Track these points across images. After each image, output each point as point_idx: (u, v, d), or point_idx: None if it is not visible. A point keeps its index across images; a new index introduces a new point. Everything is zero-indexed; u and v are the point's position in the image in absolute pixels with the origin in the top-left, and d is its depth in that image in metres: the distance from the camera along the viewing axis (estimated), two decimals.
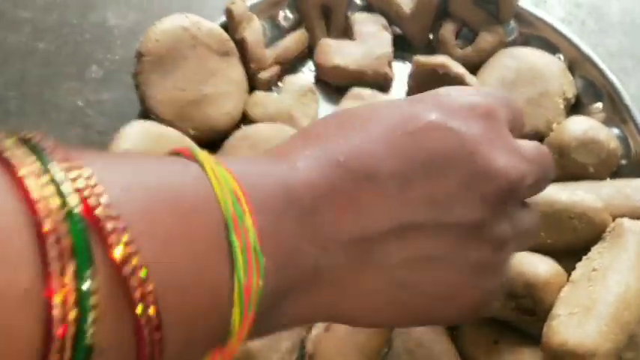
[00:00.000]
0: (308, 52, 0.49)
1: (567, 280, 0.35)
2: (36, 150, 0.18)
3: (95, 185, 0.17)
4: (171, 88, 0.42)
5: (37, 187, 0.17)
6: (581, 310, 0.31)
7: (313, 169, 0.23)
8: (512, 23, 0.48)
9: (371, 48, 0.48)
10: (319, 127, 0.26)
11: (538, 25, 0.48)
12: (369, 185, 0.23)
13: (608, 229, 0.36)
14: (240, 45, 0.46)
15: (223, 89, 0.44)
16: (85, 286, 0.16)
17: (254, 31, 0.46)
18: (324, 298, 0.24)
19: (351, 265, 0.24)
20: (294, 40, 0.48)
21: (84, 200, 0.17)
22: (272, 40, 0.48)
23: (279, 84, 0.47)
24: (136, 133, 0.38)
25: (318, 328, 0.35)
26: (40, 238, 0.16)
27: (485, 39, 0.47)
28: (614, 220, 0.36)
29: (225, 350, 0.21)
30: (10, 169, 0.17)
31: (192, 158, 0.22)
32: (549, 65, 0.45)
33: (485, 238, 0.25)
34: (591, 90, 0.46)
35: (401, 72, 0.48)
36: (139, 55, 0.41)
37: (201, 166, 0.21)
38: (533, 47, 0.47)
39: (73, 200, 0.17)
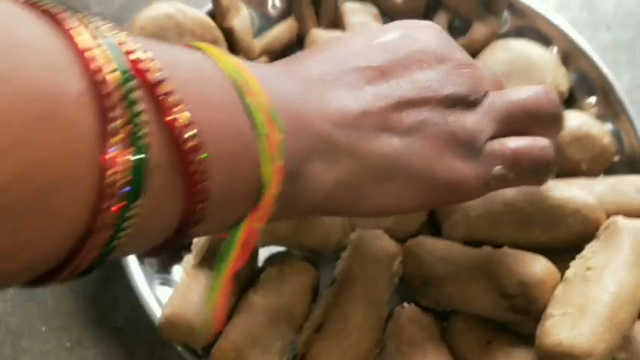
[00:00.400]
0: (297, 42, 0.48)
1: (561, 279, 0.34)
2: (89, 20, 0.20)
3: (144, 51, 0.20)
4: None
5: (92, 44, 0.18)
6: (575, 310, 0.31)
7: (311, 69, 0.28)
8: (506, 14, 0.47)
9: None
10: (306, 52, 0.31)
11: (531, 16, 0.47)
12: (370, 75, 0.29)
13: (602, 227, 0.35)
14: (228, 34, 0.44)
15: None
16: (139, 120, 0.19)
17: (242, 19, 0.45)
18: (344, 163, 0.27)
19: (361, 136, 0.27)
20: (283, 30, 0.47)
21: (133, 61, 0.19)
22: (260, 29, 0.47)
23: None
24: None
25: (308, 330, 0.35)
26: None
27: (479, 30, 0.46)
28: (608, 217, 0.36)
29: (260, 208, 0.24)
30: (68, 32, 0.18)
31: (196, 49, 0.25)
32: (543, 57, 0.45)
33: (461, 115, 0.30)
34: (585, 84, 0.45)
35: None
36: None
37: (205, 53, 0.24)
38: (526, 39, 0.46)
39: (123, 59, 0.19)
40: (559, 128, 0.34)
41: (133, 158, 0.18)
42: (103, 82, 0.18)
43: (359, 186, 0.28)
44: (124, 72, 0.18)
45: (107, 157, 0.18)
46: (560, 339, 0.30)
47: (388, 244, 0.37)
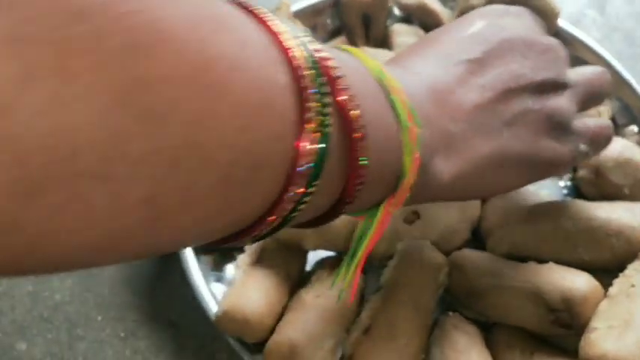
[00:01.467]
0: None
1: (604, 295, 0.35)
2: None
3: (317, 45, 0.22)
4: None
5: (292, 43, 0.21)
6: (620, 324, 0.32)
7: (423, 68, 0.31)
8: None
9: None
10: (411, 48, 0.34)
11: (576, 46, 0.49)
12: (464, 69, 0.31)
13: None
14: None
15: None
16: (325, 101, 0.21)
17: None
18: (460, 158, 0.29)
19: (475, 129, 0.30)
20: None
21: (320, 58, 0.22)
22: None
23: None
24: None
25: (357, 331, 0.36)
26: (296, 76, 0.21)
27: None
28: None
29: (397, 195, 0.27)
30: (273, 31, 0.21)
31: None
32: None
33: (554, 98, 0.32)
34: (626, 112, 0.46)
35: None
36: None
37: (351, 54, 0.27)
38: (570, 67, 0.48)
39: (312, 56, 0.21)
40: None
41: (318, 146, 0.21)
42: (303, 77, 0.21)
43: (475, 175, 0.30)
44: (316, 68, 0.21)
45: (301, 143, 0.21)
46: (605, 350, 0.31)
47: (435, 255, 0.38)
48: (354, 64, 0.26)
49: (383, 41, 0.51)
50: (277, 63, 0.20)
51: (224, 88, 0.18)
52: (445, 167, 0.29)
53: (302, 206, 0.22)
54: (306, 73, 0.21)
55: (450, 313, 0.38)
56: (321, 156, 0.21)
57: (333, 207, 0.25)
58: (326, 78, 0.21)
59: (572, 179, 0.46)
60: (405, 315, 0.36)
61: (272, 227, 0.22)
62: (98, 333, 0.40)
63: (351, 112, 0.22)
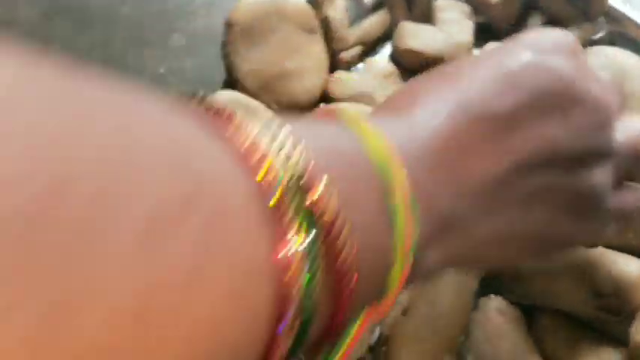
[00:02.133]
0: (389, 34, 0.48)
1: None
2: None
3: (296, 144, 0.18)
4: (257, 60, 0.42)
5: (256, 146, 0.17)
6: None
7: (433, 121, 0.25)
8: (601, 20, 0.47)
9: (451, 35, 0.47)
10: (424, 83, 0.27)
11: (627, 24, 0.47)
12: (486, 127, 0.25)
13: None
14: (324, 23, 0.46)
15: (306, 66, 0.44)
16: (310, 247, 0.17)
17: (338, 9, 0.46)
18: (456, 242, 0.25)
19: (481, 206, 0.25)
20: (376, 21, 0.48)
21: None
22: (354, 19, 0.48)
23: (359, 65, 0.47)
24: (226, 101, 0.38)
25: (395, 312, 0.35)
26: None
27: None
28: None
29: (381, 306, 0.22)
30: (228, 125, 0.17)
31: (338, 119, 0.23)
32: (637, 66, 0.44)
33: (589, 172, 0.27)
34: None
35: None
36: (229, 25, 0.41)
37: (351, 126, 0.22)
38: (620, 46, 0.46)
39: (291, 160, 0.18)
40: None
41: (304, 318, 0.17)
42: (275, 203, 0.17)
43: (471, 257, 0.26)
44: (292, 187, 0.17)
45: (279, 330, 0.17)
46: None
47: None
48: (348, 155, 0.21)
49: (427, 17, 0.49)
50: (242, 192, 0.17)
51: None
52: (438, 256, 0.24)
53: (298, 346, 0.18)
54: (280, 197, 0.17)
55: (492, 296, 0.37)
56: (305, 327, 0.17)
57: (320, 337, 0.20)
58: (308, 194, 0.18)
59: None
60: (445, 296, 0.35)
61: None
62: None
63: (338, 234, 0.18)
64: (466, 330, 0.36)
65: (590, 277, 0.34)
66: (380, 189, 0.21)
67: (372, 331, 0.35)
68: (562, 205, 0.27)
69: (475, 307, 0.37)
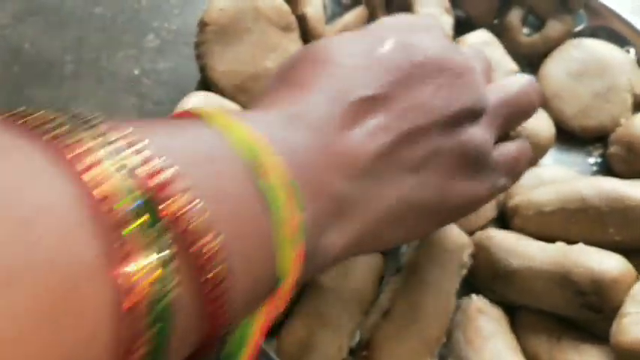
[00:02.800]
0: None
1: (637, 277, 0.34)
2: (85, 127, 0.17)
3: (148, 155, 0.17)
4: (232, 61, 0.41)
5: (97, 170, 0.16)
6: None
7: (314, 112, 0.25)
8: (581, 13, 0.47)
9: None
10: (302, 71, 0.28)
11: (607, 17, 0.46)
12: (365, 109, 0.26)
13: None
14: (301, 20, 0.45)
15: None
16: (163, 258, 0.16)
17: (315, 6, 0.45)
18: (354, 225, 0.25)
19: (373, 184, 0.26)
20: (354, 17, 0.47)
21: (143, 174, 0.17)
22: (332, 16, 0.47)
23: None
24: (198, 103, 0.38)
25: (375, 315, 0.35)
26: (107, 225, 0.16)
27: (553, 27, 0.46)
28: None
29: (276, 298, 0.22)
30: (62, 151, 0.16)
31: (200, 118, 0.22)
32: (618, 59, 0.44)
33: (467, 131, 0.29)
34: None
35: None
36: (203, 25, 0.41)
37: (212, 123, 0.22)
38: (600, 39, 0.46)
39: (134, 177, 0.17)
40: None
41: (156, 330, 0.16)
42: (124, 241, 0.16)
43: (372, 235, 0.26)
44: (133, 202, 0.16)
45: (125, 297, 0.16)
46: (638, 337, 0.30)
47: (458, 235, 0.37)
48: (208, 148, 0.20)
49: (406, 11, 0.48)
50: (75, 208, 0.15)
51: None
52: (337, 239, 0.25)
53: None
54: (118, 211, 0.16)
55: (474, 296, 0.37)
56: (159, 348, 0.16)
57: (205, 342, 0.20)
58: (154, 200, 0.16)
59: (602, 155, 0.44)
60: (426, 297, 0.35)
61: None
62: None
63: (204, 247, 0.17)
64: (448, 331, 0.35)
65: (570, 275, 0.34)
66: (249, 176, 0.21)
67: (352, 336, 0.34)
68: (450, 166, 0.28)
69: (457, 307, 0.36)
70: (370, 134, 0.26)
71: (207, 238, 0.18)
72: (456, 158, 0.28)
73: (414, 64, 0.28)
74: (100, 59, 0.46)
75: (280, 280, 0.22)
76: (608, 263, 0.33)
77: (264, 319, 0.22)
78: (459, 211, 0.30)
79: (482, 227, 0.39)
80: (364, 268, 0.36)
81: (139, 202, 0.16)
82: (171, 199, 0.17)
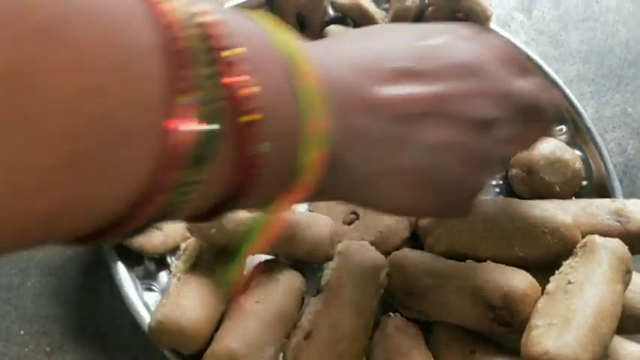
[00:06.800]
0: None
1: (541, 292, 0.36)
2: None
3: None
4: None
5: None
6: (560, 321, 0.32)
7: (362, 57, 0.28)
8: None
9: None
10: (348, 33, 0.34)
11: None
12: (402, 73, 0.28)
13: (579, 245, 0.37)
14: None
15: None
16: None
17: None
18: (378, 164, 0.27)
19: (394, 136, 0.27)
20: None
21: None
22: None
23: None
24: None
25: (297, 337, 0.35)
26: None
27: None
28: (582, 236, 0.38)
29: (295, 192, 0.24)
30: None
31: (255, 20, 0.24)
32: None
33: (492, 135, 0.30)
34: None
35: None
36: None
37: (259, 24, 0.23)
38: None
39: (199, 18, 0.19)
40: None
41: (199, 124, 0.18)
42: (177, 39, 0.18)
43: (390, 185, 0.28)
44: (199, 32, 0.18)
45: (173, 118, 0.17)
46: (547, 348, 0.31)
47: (375, 255, 0.38)
48: (257, 33, 0.22)
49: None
50: (143, 19, 0.17)
51: (58, 35, 0.15)
52: (359, 166, 0.27)
53: (184, 197, 0.19)
54: (182, 35, 0.18)
55: (391, 314, 0.38)
56: (203, 137, 0.18)
57: (224, 201, 0.22)
58: (213, 43, 0.18)
59: (504, 178, 0.46)
60: (346, 317, 0.35)
61: (152, 219, 0.19)
62: (21, 349, 0.37)
63: (243, 89, 0.19)
64: (368, 350, 0.36)
65: (480, 291, 0.35)
66: (288, 73, 0.22)
67: (276, 358, 0.35)
68: (462, 162, 0.29)
69: (376, 326, 0.37)
70: (402, 97, 0.27)
71: (246, 80, 0.19)
72: (469, 159, 0.30)
73: (453, 64, 0.29)
74: None
75: (298, 173, 0.23)
76: (516, 279, 0.35)
77: (283, 208, 0.24)
78: (464, 201, 0.32)
79: (398, 247, 0.40)
80: (286, 290, 0.36)
81: (196, 27, 0.18)
82: (222, 40, 0.19)
